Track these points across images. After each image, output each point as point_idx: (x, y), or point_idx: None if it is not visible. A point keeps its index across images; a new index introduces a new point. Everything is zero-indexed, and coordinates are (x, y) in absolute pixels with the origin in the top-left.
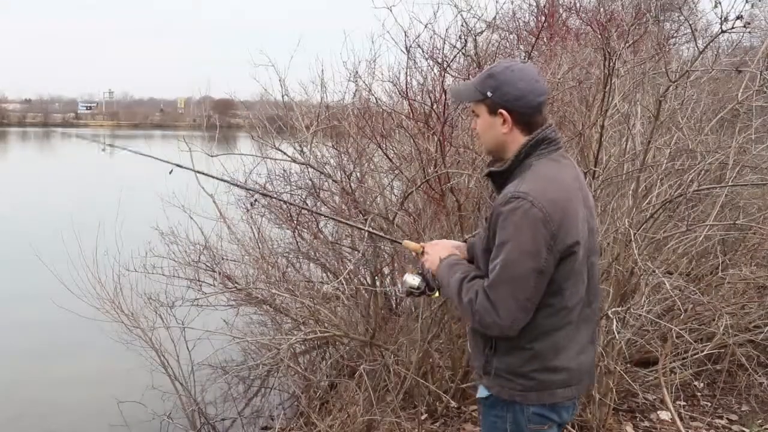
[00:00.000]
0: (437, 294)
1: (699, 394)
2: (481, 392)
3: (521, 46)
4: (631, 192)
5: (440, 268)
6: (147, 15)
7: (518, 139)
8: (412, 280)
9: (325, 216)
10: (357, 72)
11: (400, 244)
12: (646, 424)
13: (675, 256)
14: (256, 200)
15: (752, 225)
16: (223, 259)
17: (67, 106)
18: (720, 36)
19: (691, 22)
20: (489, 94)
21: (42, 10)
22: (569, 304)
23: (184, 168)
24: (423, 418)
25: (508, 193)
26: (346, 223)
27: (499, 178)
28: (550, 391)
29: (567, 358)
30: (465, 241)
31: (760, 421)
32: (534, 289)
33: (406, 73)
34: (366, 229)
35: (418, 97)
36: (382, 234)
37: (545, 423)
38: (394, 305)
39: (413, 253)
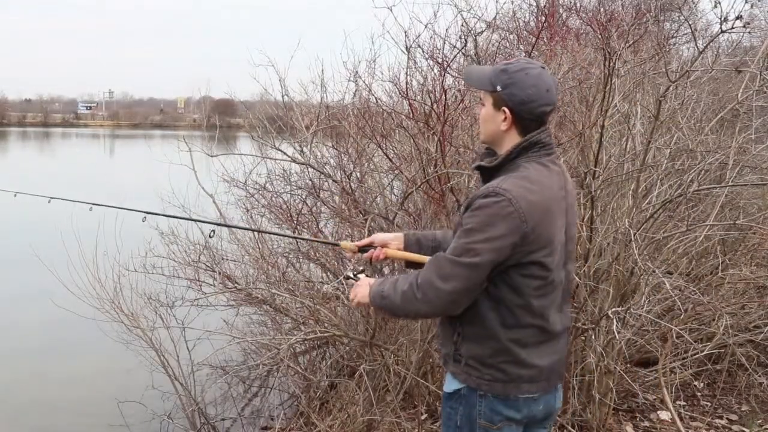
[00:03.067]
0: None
1: (699, 394)
2: (448, 384)
3: (521, 46)
4: (631, 192)
5: (373, 288)
6: (148, 15)
7: (514, 139)
8: (351, 271)
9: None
10: (357, 72)
11: (338, 245)
12: (646, 424)
13: (675, 256)
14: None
15: (752, 225)
16: (223, 259)
17: (67, 106)
18: (720, 36)
19: (691, 22)
20: (498, 88)
21: (42, 9)
22: (535, 305)
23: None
24: (423, 418)
25: (489, 187)
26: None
27: (487, 173)
28: (516, 384)
29: (537, 356)
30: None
31: (760, 421)
32: (483, 278)
33: (406, 73)
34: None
35: (418, 97)
36: (317, 239)
37: (498, 421)
38: None
39: (349, 253)
